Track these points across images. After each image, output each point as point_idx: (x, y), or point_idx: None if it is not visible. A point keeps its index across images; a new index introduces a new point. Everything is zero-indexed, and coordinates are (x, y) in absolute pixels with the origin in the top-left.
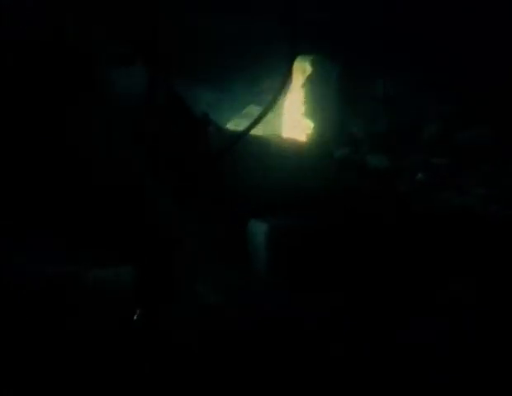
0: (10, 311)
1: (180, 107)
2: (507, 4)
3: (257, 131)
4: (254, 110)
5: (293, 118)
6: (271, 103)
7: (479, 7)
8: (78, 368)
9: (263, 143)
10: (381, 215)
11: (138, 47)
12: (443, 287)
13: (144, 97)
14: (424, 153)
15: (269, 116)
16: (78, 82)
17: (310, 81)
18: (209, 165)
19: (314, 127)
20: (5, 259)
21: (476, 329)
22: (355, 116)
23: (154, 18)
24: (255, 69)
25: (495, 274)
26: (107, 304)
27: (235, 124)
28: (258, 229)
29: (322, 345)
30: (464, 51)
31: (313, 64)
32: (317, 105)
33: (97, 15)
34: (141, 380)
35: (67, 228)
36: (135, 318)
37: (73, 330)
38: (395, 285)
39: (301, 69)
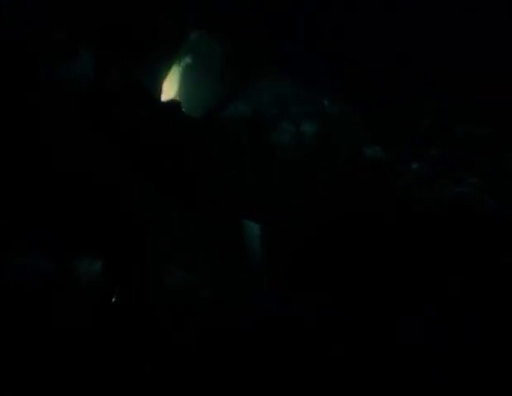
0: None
1: (139, 94)
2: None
3: None
4: None
5: None
6: None
7: (477, 7)
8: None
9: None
10: (378, 209)
11: (85, 33)
12: (444, 281)
13: (94, 85)
14: (421, 144)
15: None
16: (29, 83)
17: None
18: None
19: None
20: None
21: (476, 329)
22: (354, 110)
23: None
24: None
25: (492, 268)
26: (85, 295)
27: None
28: (253, 227)
29: (322, 345)
30: (463, 47)
31: None
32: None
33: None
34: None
35: (49, 227)
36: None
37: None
38: (394, 282)
39: None
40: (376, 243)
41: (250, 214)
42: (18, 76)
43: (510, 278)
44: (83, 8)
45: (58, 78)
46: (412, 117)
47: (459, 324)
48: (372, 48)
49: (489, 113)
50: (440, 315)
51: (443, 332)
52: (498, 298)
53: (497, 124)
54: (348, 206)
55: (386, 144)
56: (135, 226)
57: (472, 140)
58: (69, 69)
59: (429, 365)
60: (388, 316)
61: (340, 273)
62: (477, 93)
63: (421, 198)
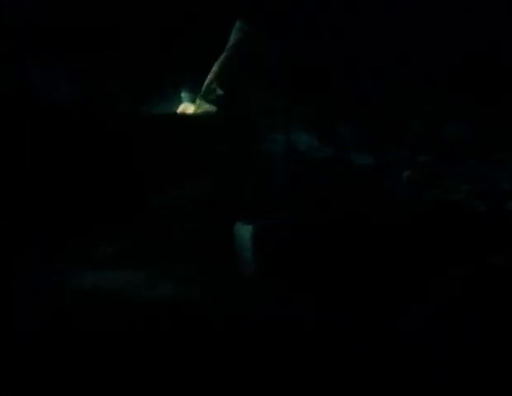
0: None
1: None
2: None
3: None
4: None
5: None
6: None
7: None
8: None
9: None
10: (368, 213)
11: None
12: (444, 274)
13: None
14: (410, 150)
15: None
16: None
17: None
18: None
19: None
20: None
21: (476, 329)
22: (341, 116)
23: None
24: None
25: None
26: None
27: None
28: (244, 231)
29: (322, 345)
30: (449, 51)
31: None
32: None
33: None
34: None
35: None
36: None
37: None
38: (394, 282)
39: None
40: (365, 242)
41: (237, 216)
42: None
43: (508, 278)
44: None
45: None
46: (402, 121)
47: (459, 324)
48: (357, 48)
49: (476, 116)
50: (440, 315)
51: (443, 332)
52: (498, 298)
53: (485, 126)
54: (336, 205)
55: (376, 151)
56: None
57: (460, 143)
58: None
59: (429, 365)
60: (388, 316)
61: (340, 273)
62: (464, 96)
63: (412, 204)
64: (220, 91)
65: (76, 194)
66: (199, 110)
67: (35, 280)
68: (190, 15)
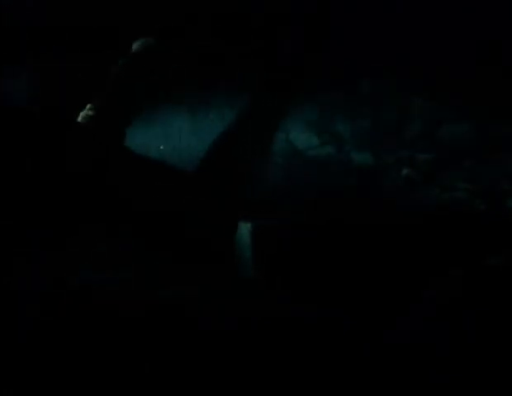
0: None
1: None
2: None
3: None
4: None
5: None
6: None
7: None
8: None
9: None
10: (368, 212)
11: None
12: (444, 274)
13: None
14: (410, 149)
15: None
16: None
17: None
18: None
19: None
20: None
21: (476, 329)
22: (339, 115)
23: None
24: None
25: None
26: None
27: None
28: (244, 231)
29: (322, 345)
30: (449, 48)
31: None
32: None
33: None
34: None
35: None
36: None
37: None
38: (390, 283)
39: None
40: (374, 244)
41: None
42: None
43: (508, 278)
44: None
45: None
46: (402, 121)
47: (459, 324)
48: (356, 47)
49: (476, 113)
50: (440, 315)
51: (443, 332)
52: (498, 298)
53: (485, 124)
54: (345, 207)
55: (375, 150)
56: None
57: (460, 142)
58: None
59: (429, 365)
60: (388, 316)
61: (340, 273)
62: (463, 93)
63: (412, 204)
64: None
65: (76, 194)
66: None
67: (35, 280)
68: (190, 15)
